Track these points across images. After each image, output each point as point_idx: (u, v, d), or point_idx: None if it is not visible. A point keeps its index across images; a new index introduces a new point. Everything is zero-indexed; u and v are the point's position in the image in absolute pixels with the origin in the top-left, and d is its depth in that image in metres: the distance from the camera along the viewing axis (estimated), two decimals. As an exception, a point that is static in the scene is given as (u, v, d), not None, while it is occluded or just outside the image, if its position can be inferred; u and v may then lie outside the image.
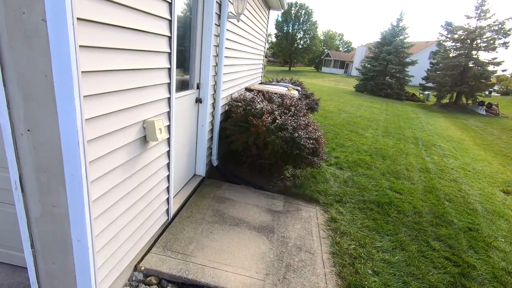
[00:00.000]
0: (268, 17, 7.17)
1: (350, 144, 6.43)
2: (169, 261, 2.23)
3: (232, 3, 3.30)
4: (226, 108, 3.95)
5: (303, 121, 3.62)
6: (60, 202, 1.41)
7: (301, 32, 47.32)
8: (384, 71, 22.57)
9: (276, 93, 4.25)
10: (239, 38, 4.13)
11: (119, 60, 1.52)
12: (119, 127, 1.60)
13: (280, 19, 45.64)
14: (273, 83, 6.27)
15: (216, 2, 2.97)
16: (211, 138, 3.63)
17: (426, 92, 22.89)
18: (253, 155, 3.74)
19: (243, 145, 3.55)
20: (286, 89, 4.98)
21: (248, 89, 5.01)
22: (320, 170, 4.43)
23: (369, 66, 23.53)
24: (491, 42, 18.48)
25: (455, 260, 2.79)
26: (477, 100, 19.22)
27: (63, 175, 1.35)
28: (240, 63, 4.45)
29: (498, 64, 18.56)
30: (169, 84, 2.14)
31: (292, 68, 48.19)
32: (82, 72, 1.25)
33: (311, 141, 3.51)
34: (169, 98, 2.17)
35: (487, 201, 4.53)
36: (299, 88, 6.23)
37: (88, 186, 1.39)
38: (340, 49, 69.10)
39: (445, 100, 20.15)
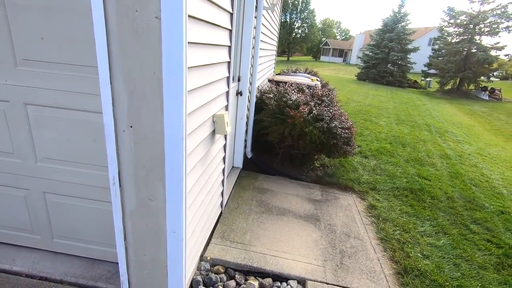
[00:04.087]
0: (281, 6, 7.10)
1: (367, 133, 6.49)
2: (231, 251, 2.30)
3: (267, -6, 3.28)
4: (255, 100, 3.96)
5: (337, 111, 3.65)
6: (156, 195, 1.46)
7: (299, 21, 46.72)
8: (386, 58, 22.49)
9: (304, 84, 4.26)
10: (266, 30, 4.12)
11: (204, 55, 1.54)
12: (202, 122, 1.64)
13: (277, 8, 44.80)
14: (290, 74, 6.27)
15: (255, -8, 2.95)
16: (246, 131, 3.66)
17: (428, 79, 22.88)
18: (287, 146, 3.78)
19: (279, 137, 3.59)
20: (309, 79, 4.99)
21: (270, 81, 5.01)
22: (347, 160, 4.49)
23: (370, 54, 23.41)
24: (494, 26, 18.41)
25: (496, 242, 2.88)
26: (480, 85, 19.27)
27: (163, 169, 1.39)
28: (265, 55, 4.45)
29: (501, 48, 18.54)
30: (228, 78, 2.16)
31: (290, 58, 47.74)
32: (188, 67, 1.27)
33: (345, 131, 3.55)
34: (227, 92, 2.20)
35: (510, 185, 4.62)
36: (319, 78, 6.23)
37: (185, 178, 1.43)
38: (338, 37, 68.50)
39: (448, 87, 20.16)
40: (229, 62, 2.11)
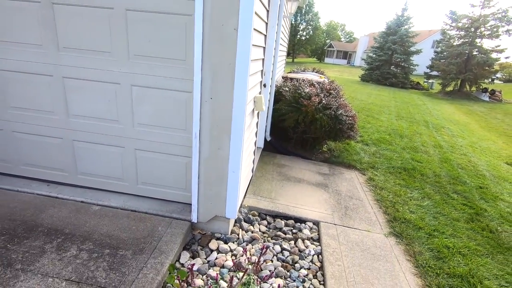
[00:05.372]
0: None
1: (369, 126, 7.19)
2: (262, 202, 3.03)
3: (286, 4, 4.01)
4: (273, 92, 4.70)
5: (342, 102, 4.37)
6: (223, 146, 2.18)
7: (304, 23, 47.56)
8: (389, 60, 23.12)
9: (314, 80, 4.98)
10: (282, 34, 4.85)
11: (256, 53, 2.27)
12: (250, 98, 2.37)
13: (283, 10, 45.62)
14: (300, 72, 7.00)
15: (278, 4, 3.69)
16: (266, 117, 4.39)
17: (430, 81, 23.46)
18: (300, 131, 4.50)
19: (294, 123, 4.31)
20: (318, 76, 5.72)
21: (284, 77, 5.75)
22: (351, 146, 5.20)
23: (374, 56, 24.06)
24: (495, 30, 19.01)
25: (470, 205, 3.58)
26: (481, 87, 19.84)
27: (230, 127, 2.12)
28: (281, 55, 5.19)
29: (501, 51, 19.12)
30: (261, 71, 2.89)
31: (295, 60, 48.50)
32: (251, 60, 2.01)
33: (349, 118, 4.27)
34: (261, 81, 2.93)
35: (493, 169, 5.30)
36: (326, 76, 6.95)
37: (244, 133, 2.16)
38: (342, 39, 69.15)
39: (450, 88, 20.76)
40: (263, 59, 2.85)
